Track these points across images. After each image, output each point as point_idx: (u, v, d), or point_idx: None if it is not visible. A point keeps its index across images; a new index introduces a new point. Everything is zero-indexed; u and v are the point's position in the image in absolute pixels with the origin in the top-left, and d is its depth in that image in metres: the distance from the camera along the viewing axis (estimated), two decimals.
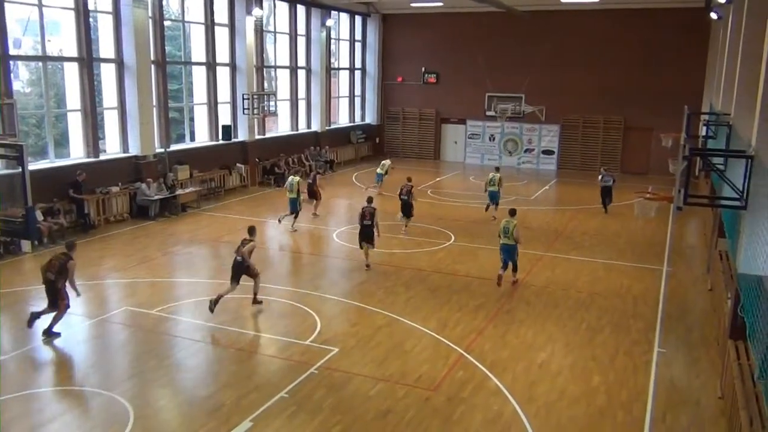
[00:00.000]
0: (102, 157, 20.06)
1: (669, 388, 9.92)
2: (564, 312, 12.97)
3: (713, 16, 23.60)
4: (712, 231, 15.56)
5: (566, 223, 20.56)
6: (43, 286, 11.34)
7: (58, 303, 11.23)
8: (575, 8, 29.69)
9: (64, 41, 19.47)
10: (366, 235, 15.31)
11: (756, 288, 8.18)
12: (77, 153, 19.58)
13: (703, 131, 18.94)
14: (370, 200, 16.02)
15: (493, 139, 32.71)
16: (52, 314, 11.25)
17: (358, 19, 34.20)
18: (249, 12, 24.98)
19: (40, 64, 18.52)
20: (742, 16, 14.00)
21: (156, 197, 20.22)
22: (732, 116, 14.41)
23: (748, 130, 10.43)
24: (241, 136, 25.74)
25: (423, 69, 33.81)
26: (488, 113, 31.65)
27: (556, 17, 30.17)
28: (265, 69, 27.82)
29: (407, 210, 18.78)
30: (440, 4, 30.02)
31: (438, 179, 28.32)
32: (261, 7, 25.85)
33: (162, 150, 21.65)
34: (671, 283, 14.76)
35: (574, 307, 13.26)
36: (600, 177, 22.49)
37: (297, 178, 19.30)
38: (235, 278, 12.49)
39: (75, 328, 11.61)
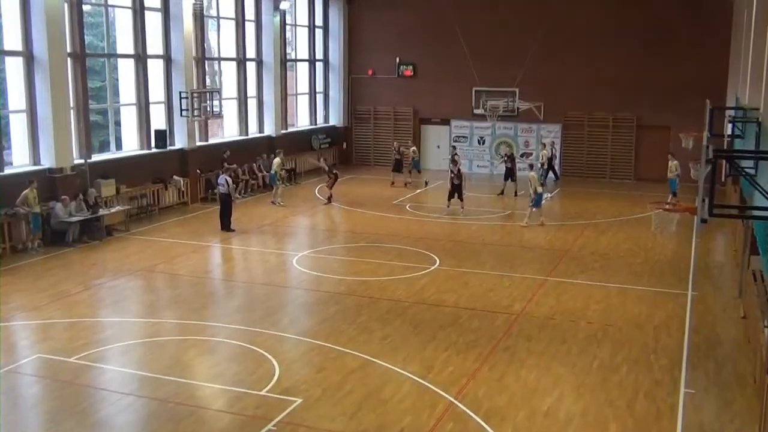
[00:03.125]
0: (7, 170, 19.75)
1: None
2: (572, 348, 13.03)
3: None
4: (742, 247, 15.80)
5: (572, 241, 20.75)
6: None
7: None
8: None
9: None
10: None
11: None
12: None
13: (728, 129, 19.28)
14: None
15: (483, 141, 32.97)
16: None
17: (318, 1, 34.39)
18: None
19: None
20: None
21: (74, 219, 19.93)
22: (761, 111, 14.70)
23: None
24: (179, 143, 25.60)
25: (397, 60, 34.03)
26: (476, 111, 31.89)
27: None
28: (207, 62, 27.78)
29: (459, 191, 22.50)
30: None
31: (418, 191, 28.40)
32: None
33: (81, 161, 21.40)
34: (698, 311, 14.92)
35: (585, 341, 13.34)
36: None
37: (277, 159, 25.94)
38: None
39: None
